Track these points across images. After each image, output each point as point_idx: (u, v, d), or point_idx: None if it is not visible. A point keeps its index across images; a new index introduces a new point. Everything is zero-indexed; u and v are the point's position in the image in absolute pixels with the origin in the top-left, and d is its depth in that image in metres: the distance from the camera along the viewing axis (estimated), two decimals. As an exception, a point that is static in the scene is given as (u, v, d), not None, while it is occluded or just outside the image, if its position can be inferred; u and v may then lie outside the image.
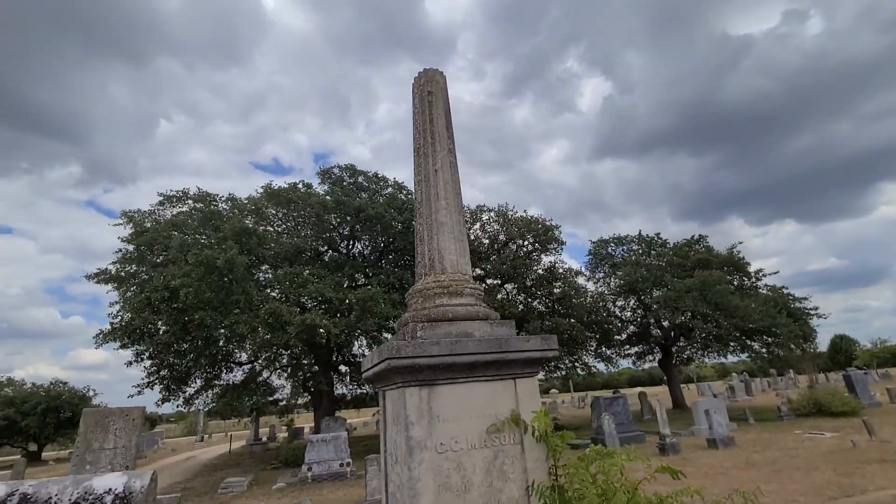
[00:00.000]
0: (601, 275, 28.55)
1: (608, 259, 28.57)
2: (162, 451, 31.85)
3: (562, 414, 32.81)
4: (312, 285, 15.15)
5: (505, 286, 22.98)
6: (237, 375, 20.66)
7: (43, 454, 35.48)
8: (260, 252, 16.43)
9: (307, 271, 17.56)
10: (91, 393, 39.70)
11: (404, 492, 2.44)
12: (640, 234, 28.56)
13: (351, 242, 22.23)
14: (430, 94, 3.67)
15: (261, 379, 21.14)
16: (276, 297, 15.46)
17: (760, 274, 24.87)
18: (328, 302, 15.24)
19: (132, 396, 14.85)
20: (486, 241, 23.46)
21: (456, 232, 3.27)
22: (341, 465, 12.79)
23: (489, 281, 22.29)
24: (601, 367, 24.28)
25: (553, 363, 18.71)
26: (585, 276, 22.88)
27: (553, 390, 56.62)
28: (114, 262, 17.92)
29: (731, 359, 27.35)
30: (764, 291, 23.97)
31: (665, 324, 24.00)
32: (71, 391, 38.87)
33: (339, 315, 15.41)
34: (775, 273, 29.08)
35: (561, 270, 22.26)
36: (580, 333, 18.19)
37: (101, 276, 17.51)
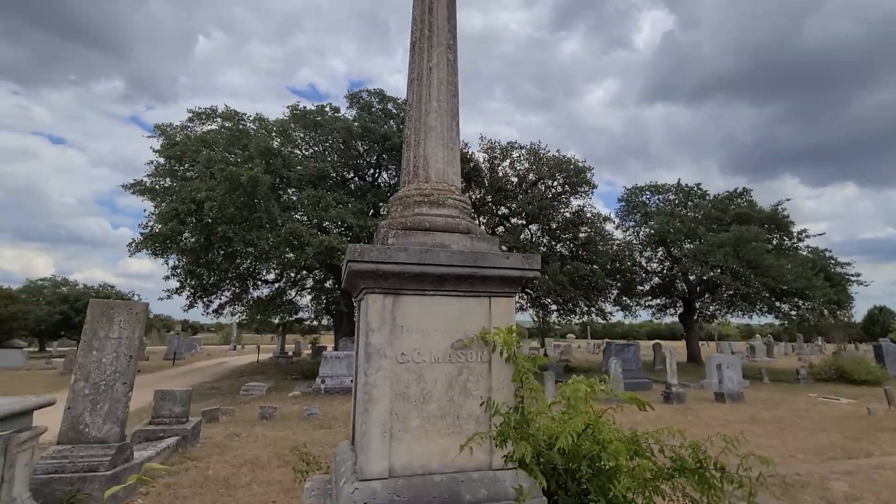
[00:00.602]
0: (631, 223, 27.58)
1: (641, 207, 27.41)
2: (199, 356, 34.56)
3: (575, 357, 33.36)
4: (334, 210, 15.18)
5: (530, 227, 22.55)
6: (264, 292, 21.64)
7: (95, 349, 39.10)
8: (284, 173, 16.43)
9: (331, 196, 17.59)
10: (136, 297, 43.00)
11: (361, 397, 2.38)
12: (679, 182, 27.06)
13: (377, 171, 21.95)
14: (432, -21, 3.21)
15: (286, 297, 22.14)
16: (298, 219, 15.63)
17: (803, 234, 23.42)
18: (349, 228, 15.32)
19: (161, 300, 15.85)
20: (515, 180, 22.74)
21: (446, 139, 2.97)
22: (351, 380, 13.46)
23: (514, 220, 21.88)
24: (619, 315, 24.12)
25: (569, 305, 18.61)
26: (614, 223, 22.09)
27: (570, 335, 57.38)
28: (148, 175, 18.40)
29: (758, 321, 26.66)
30: (804, 253, 22.68)
31: (692, 278, 23.30)
32: (118, 294, 42.21)
33: (359, 241, 15.54)
34: (821, 235, 27.36)
35: (589, 215, 21.54)
36: (600, 280, 17.85)
37: (137, 188, 18.11)
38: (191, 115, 20.11)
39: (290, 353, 31.43)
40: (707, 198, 25.46)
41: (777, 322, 25.16)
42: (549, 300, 18.94)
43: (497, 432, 2.33)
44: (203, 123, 20.36)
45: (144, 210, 17.63)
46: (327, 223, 16.08)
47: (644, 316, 27.90)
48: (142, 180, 18.20)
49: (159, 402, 6.78)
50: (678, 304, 26.73)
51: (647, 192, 27.89)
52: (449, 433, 2.43)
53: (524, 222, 21.95)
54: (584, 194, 21.70)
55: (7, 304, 31.54)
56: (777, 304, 21.27)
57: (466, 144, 21.11)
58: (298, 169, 17.93)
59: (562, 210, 21.98)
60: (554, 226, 21.58)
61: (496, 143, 22.73)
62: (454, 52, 3.20)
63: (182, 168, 17.81)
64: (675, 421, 9.32)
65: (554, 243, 22.23)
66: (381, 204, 21.02)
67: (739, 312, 24.54)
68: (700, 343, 30.65)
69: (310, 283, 23.07)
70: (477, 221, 23.27)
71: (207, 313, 18.80)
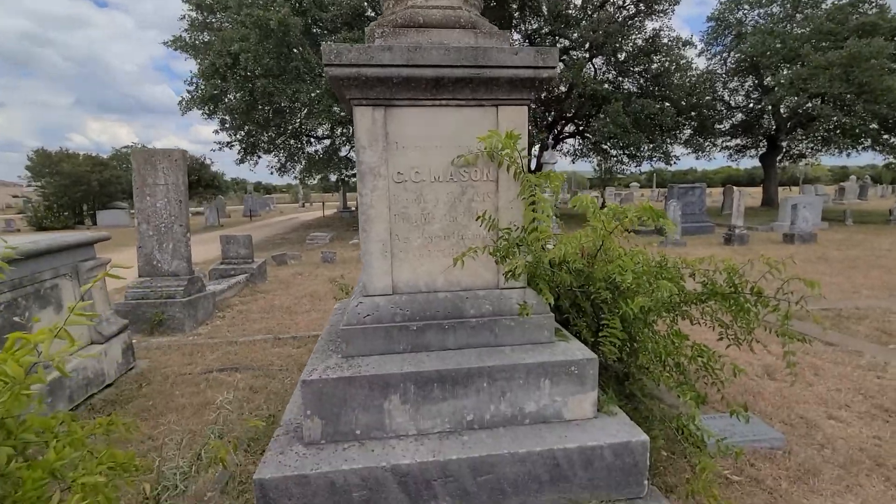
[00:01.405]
0: (719, 48, 23.47)
1: (735, 27, 22.91)
2: (272, 213, 37.51)
3: (636, 205, 32.30)
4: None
5: (594, 60, 19.94)
6: (318, 149, 21.91)
7: (185, 208, 43.46)
8: (316, 14, 15.03)
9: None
10: (208, 161, 45.86)
11: (361, 219, 2.31)
12: (789, -11, 21.82)
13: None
14: None
15: (342, 154, 22.38)
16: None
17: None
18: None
19: (213, 151, 16.87)
20: (579, 2, 19.41)
21: None
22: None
23: (574, 53, 19.32)
24: (690, 160, 22.16)
25: (628, 150, 17.18)
26: (696, 47, 18.81)
27: (634, 183, 54.83)
28: (185, 30, 17.71)
29: (856, 161, 23.46)
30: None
31: (783, 111, 20.27)
32: (193, 159, 45.10)
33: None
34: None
35: (665, 40, 18.42)
36: (670, 118, 15.98)
37: (177, 43, 17.63)
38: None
39: (353, 208, 33.12)
40: (823, 6, 20.56)
41: (881, 161, 22.00)
42: (609, 146, 17.56)
43: (495, 248, 2.21)
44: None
45: (189, 70, 17.44)
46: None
47: (720, 160, 25.55)
48: (181, 36, 17.62)
49: (226, 246, 7.47)
50: (761, 144, 23.90)
51: (746, 6, 22.95)
52: (454, 253, 2.34)
53: (587, 55, 19.36)
54: (661, 14, 18.30)
55: (102, 170, 34.87)
56: (885, 136, 18.30)
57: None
58: (332, 9, 16.32)
59: (633, 36, 18.94)
60: (622, 57, 18.89)
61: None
62: None
63: (214, 19, 16.87)
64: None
65: (621, 78, 19.74)
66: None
67: (836, 150, 21.57)
68: (782, 188, 28.12)
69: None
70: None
71: (252, 169, 19.75)
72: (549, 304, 2.32)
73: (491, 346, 2.32)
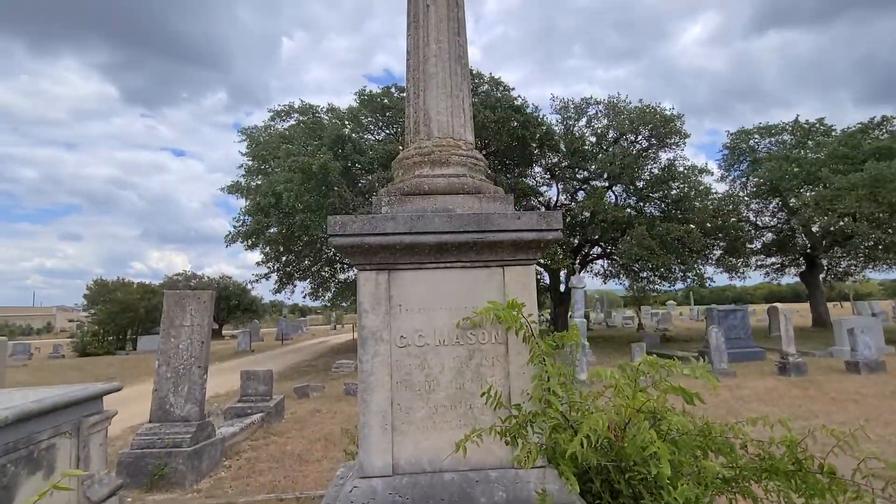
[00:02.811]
0: (736, 173, 24.33)
1: (749, 154, 24.00)
2: (304, 336, 37.82)
3: (675, 326, 30.89)
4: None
5: (613, 188, 20.89)
6: (350, 275, 22.75)
7: (223, 331, 44.49)
8: (356, 159, 16.81)
9: (401, 176, 17.74)
10: (250, 287, 48.19)
11: (360, 386, 2.15)
12: (796, 120, 23.17)
13: (446, 146, 21.67)
14: None
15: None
16: (365, 202, 15.97)
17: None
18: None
19: (251, 283, 17.81)
20: (594, 139, 21.07)
21: (449, 85, 2.55)
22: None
23: (595, 183, 20.36)
24: (723, 278, 21.58)
25: (660, 271, 16.95)
26: (712, 174, 19.56)
27: (670, 301, 53.20)
28: (242, 176, 20.04)
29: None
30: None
31: (815, 230, 20.01)
32: (235, 284, 47.46)
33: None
34: None
35: (681, 168, 19.31)
36: (696, 240, 15.96)
37: (232, 188, 19.80)
38: (271, 114, 21.39)
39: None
40: (832, 134, 21.49)
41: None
42: (637, 267, 17.44)
43: (502, 429, 1.95)
44: (283, 121, 21.56)
45: (240, 208, 19.30)
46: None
47: (756, 278, 24.78)
48: (238, 181, 19.86)
49: (245, 382, 7.31)
50: (799, 262, 23.23)
51: (756, 136, 24.28)
52: (461, 425, 2.10)
53: (606, 184, 20.37)
54: (674, 146, 19.49)
55: (150, 297, 36.99)
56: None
57: (537, 108, 19.90)
58: (370, 153, 18.29)
59: (648, 166, 19.99)
60: (641, 184, 19.74)
61: (569, 102, 21.20)
62: (456, -18, 2.73)
63: (267, 166, 19.11)
64: (791, 396, 8.04)
65: (642, 204, 20.38)
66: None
67: (885, 266, 20.59)
68: (830, 304, 26.56)
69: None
70: (555, 187, 22.02)
71: (286, 295, 20.59)
72: (576, 491, 1.97)
73: (506, 548, 1.93)
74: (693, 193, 17.91)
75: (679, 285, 18.70)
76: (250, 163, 19.66)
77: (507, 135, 18.92)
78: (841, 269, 23.11)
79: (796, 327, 14.23)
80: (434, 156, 2.42)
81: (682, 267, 16.45)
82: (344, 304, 29.21)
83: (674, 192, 18.51)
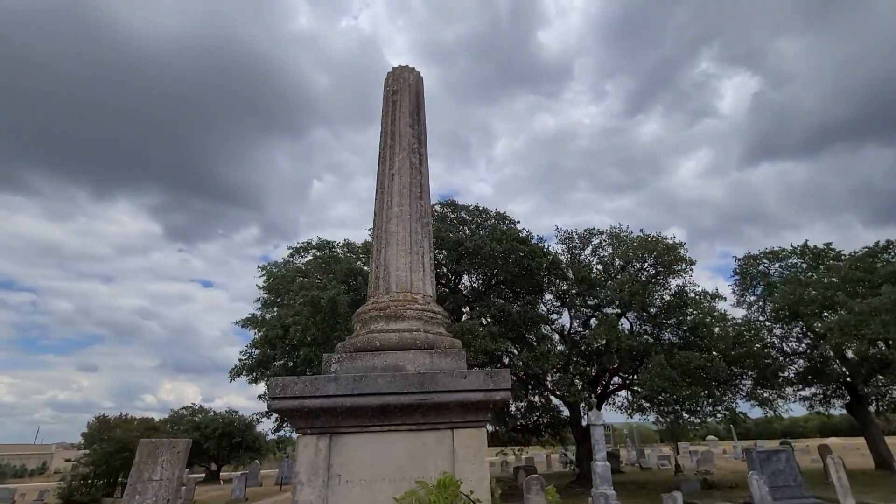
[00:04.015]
0: (752, 298, 23.92)
1: (761, 278, 23.88)
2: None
3: (718, 467, 27.54)
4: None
5: (626, 315, 20.59)
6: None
7: (221, 474, 41.15)
8: (364, 290, 17.28)
9: (410, 307, 17.92)
10: (254, 422, 45.76)
11: (290, 576, 1.88)
12: (805, 244, 23.48)
13: (457, 277, 22.24)
14: (394, 93, 3.25)
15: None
16: (378, 333, 15.93)
17: None
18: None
19: (256, 418, 16.85)
20: (600, 267, 21.47)
21: (409, 243, 2.71)
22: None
23: (606, 310, 20.17)
24: (757, 412, 19.78)
25: (685, 405, 15.71)
26: (725, 299, 19.28)
27: (711, 437, 48.26)
28: (258, 308, 20.57)
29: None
30: None
31: (849, 355, 18.84)
32: (241, 419, 45.10)
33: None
34: None
35: (693, 294, 19.14)
36: (721, 370, 15.08)
37: (247, 321, 20.19)
38: (290, 251, 22.73)
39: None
40: (842, 258, 21.52)
41: None
42: (661, 399, 16.27)
43: None
44: (301, 256, 22.80)
45: (250, 340, 19.39)
46: (406, 334, 16.14)
47: (798, 410, 22.65)
48: (254, 314, 20.32)
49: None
50: (842, 392, 21.41)
51: (765, 261, 24.45)
52: None
53: (619, 311, 20.15)
54: (680, 273, 19.62)
55: (150, 434, 35.29)
56: None
57: (542, 238, 20.78)
58: (380, 284, 18.79)
59: (659, 293, 19.92)
60: (654, 311, 19.45)
61: (573, 232, 22.14)
62: (419, 155, 3.08)
63: (281, 299, 19.69)
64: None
65: (657, 331, 19.84)
66: (464, 309, 20.97)
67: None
68: (890, 439, 23.71)
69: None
70: (566, 315, 21.80)
71: (287, 431, 19.26)
72: None
73: None
74: (709, 320, 17.45)
75: (711, 420, 17.13)
76: (266, 296, 20.30)
77: (514, 265, 19.47)
78: (891, 400, 21.10)
79: (857, 470, 12.49)
80: (389, 310, 2.46)
81: (710, 400, 15.27)
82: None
83: (689, 318, 18.10)
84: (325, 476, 1.97)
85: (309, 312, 14.21)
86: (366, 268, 20.00)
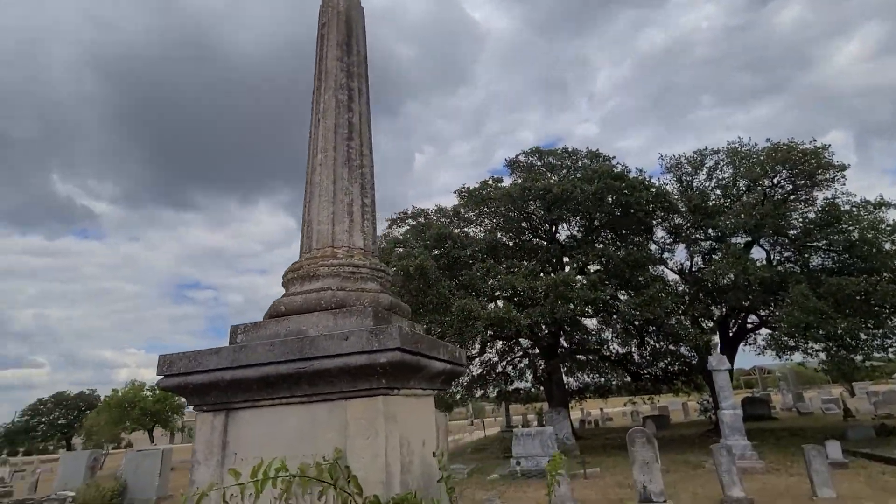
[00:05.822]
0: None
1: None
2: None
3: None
4: (501, 277, 14.94)
5: (760, 243, 17.61)
6: (476, 368, 22.26)
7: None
8: (455, 253, 17.27)
9: (503, 264, 17.50)
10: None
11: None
12: None
13: (551, 225, 21.10)
14: (323, 26, 2.87)
15: (499, 370, 22.40)
16: (467, 294, 15.88)
17: None
18: (516, 293, 14.76)
19: None
20: (718, 192, 18.51)
21: (334, 191, 2.38)
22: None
23: (732, 240, 17.37)
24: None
25: (844, 340, 12.93)
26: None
27: (900, 375, 40.08)
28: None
29: None
30: None
31: None
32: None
33: (531, 305, 14.68)
34: None
35: (847, 207, 15.48)
36: (890, 294, 12.08)
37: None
38: (388, 222, 23.66)
39: (521, 426, 30.82)
40: None
41: None
42: (807, 336, 13.64)
43: None
44: (399, 227, 23.62)
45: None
46: (498, 292, 15.88)
47: None
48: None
49: None
50: None
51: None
52: None
53: (748, 239, 17.28)
54: (828, 183, 15.97)
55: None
56: None
57: (641, 171, 18.51)
58: (473, 246, 18.67)
59: (800, 211, 16.56)
60: (793, 234, 16.29)
61: (681, 157, 19.34)
62: (350, 89, 2.67)
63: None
64: None
65: (802, 256, 16.62)
66: (563, 258, 19.92)
67: None
68: None
69: (519, 352, 22.82)
70: (684, 251, 19.36)
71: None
72: None
73: None
74: (871, 235, 14.03)
75: (880, 356, 14.01)
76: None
77: (614, 205, 17.73)
78: None
79: None
80: (302, 270, 2.19)
81: (875, 332, 12.42)
82: (473, 398, 28.40)
83: (841, 236, 14.77)
84: (220, 454, 1.83)
85: (401, 281, 14.68)
86: (455, 230, 19.97)
